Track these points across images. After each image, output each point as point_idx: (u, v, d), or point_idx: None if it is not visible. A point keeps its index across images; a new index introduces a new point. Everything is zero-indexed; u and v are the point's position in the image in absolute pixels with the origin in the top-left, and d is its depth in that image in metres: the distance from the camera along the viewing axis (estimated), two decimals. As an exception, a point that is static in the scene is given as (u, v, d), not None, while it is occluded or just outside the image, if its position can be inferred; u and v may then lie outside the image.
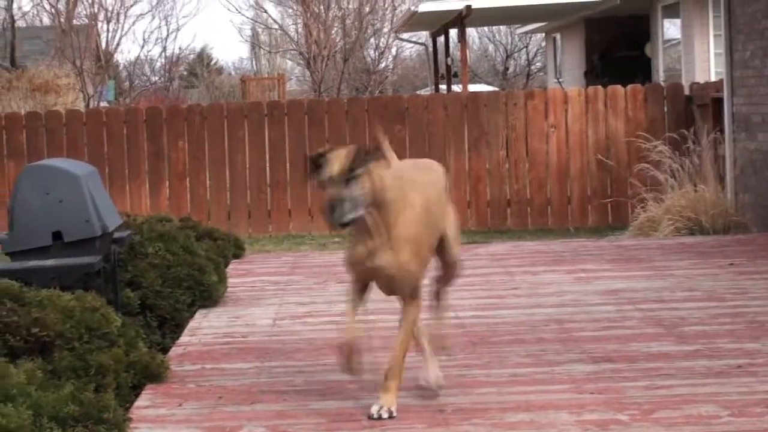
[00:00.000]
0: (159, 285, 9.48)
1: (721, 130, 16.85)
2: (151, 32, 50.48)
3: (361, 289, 6.85)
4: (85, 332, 7.05)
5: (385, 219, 6.63)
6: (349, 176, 6.40)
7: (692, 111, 18.82)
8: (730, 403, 6.49)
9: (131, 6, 40.33)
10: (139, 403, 6.97)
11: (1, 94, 27.68)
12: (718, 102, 17.51)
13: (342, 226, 6.49)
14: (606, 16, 28.84)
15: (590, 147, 19.65)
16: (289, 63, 52.83)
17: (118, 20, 39.51)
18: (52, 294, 7.37)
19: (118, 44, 40.48)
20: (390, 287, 6.80)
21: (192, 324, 9.44)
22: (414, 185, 6.82)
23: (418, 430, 6.25)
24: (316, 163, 6.56)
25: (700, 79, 22.02)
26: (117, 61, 43.47)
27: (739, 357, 7.60)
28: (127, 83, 44.49)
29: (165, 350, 8.51)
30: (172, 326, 9.35)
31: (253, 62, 60.02)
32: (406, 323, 6.74)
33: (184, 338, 8.94)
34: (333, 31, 43.10)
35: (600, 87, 20.27)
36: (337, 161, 6.44)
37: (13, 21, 37.58)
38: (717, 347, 7.92)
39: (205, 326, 9.36)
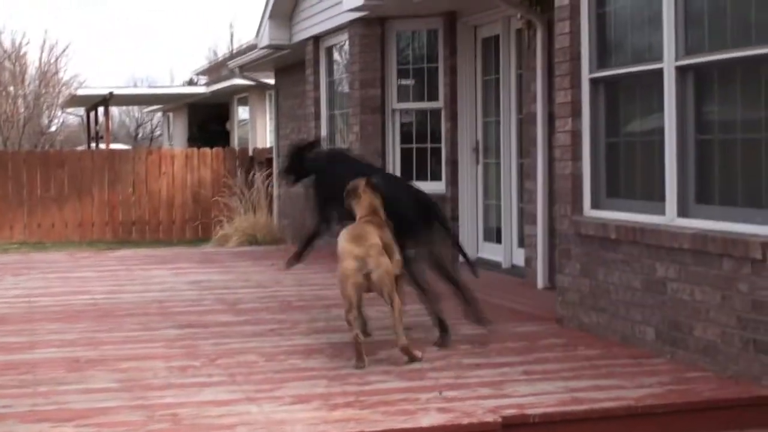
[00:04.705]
0: None
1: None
2: None
3: None
4: None
5: None
6: None
7: (254, 165, 19.02)
8: (265, 353, 6.54)
9: None
10: None
11: None
12: (270, 160, 17.78)
13: None
14: (201, 103, 28.76)
15: (189, 187, 19.62)
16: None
17: None
18: None
19: None
20: None
21: None
22: None
23: (60, 374, 5.99)
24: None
25: (260, 145, 22.24)
26: None
27: (273, 324, 7.66)
28: None
29: None
30: None
31: (-39, 124, 56.58)
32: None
33: None
34: (18, 103, 41.38)
35: (196, 149, 20.25)
36: None
37: None
38: (260, 318, 7.97)
39: None
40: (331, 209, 7.16)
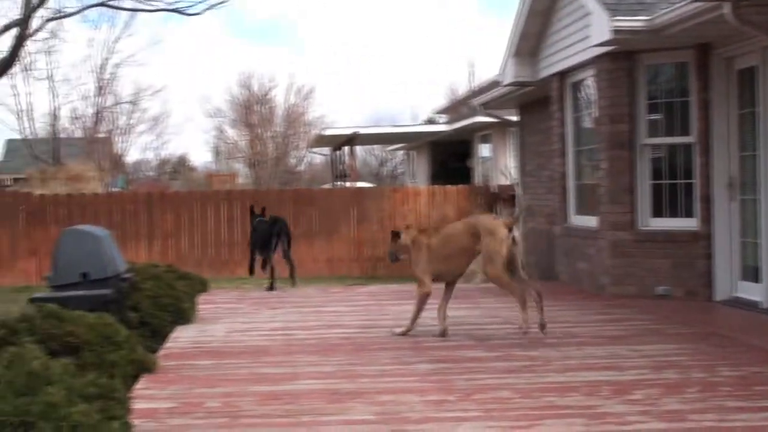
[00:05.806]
0: (151, 309, 9.39)
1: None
2: (149, 143, 50.52)
3: None
4: (102, 340, 6.95)
5: None
6: None
7: (497, 201, 19.08)
8: (520, 390, 6.52)
9: (135, 125, 40.30)
10: (137, 386, 6.88)
11: (48, 182, 27.28)
12: (514, 197, 17.76)
13: None
14: (443, 141, 29.17)
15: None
16: (240, 165, 52.62)
17: (127, 134, 39.38)
18: (82, 314, 7.28)
19: (126, 150, 40.30)
20: None
21: (173, 335, 9.32)
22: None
23: (321, 405, 6.18)
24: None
25: (502, 182, 22.29)
26: (126, 161, 43.29)
27: (525, 360, 7.64)
28: (132, 176, 44.36)
29: (155, 352, 8.39)
30: (160, 336, 9.24)
31: (216, 164, 59.67)
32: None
33: (168, 344, 8.84)
34: (268, 146, 43.25)
35: (440, 186, 20.53)
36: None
37: (56, 133, 37.21)
38: (511, 354, 7.96)
39: (181, 336, 9.25)
40: (264, 242, 14.30)
